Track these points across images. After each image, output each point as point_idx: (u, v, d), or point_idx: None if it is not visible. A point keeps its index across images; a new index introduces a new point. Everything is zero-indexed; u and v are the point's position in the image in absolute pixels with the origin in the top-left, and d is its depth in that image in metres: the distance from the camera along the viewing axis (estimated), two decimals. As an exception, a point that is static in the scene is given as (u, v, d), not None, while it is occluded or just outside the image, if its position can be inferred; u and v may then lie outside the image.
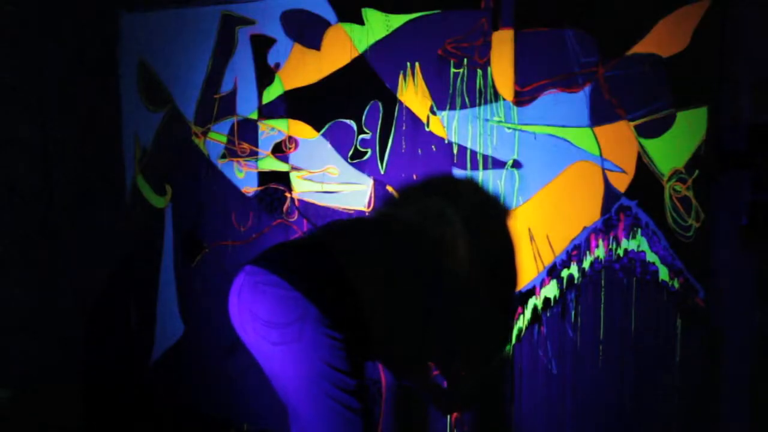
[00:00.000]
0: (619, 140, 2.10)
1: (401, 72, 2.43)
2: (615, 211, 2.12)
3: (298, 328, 1.71)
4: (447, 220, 2.16)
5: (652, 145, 2.05)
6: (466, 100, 2.31)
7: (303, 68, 2.63)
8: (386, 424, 2.54)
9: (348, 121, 2.55)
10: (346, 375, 1.73)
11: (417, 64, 2.40)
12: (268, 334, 1.76)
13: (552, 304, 2.24)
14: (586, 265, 2.18)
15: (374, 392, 2.54)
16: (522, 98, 2.23)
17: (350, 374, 1.74)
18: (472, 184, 2.34)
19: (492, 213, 2.31)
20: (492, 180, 2.30)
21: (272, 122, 2.72)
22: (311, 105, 2.63)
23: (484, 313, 2.33)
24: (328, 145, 2.60)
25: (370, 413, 1.83)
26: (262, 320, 1.76)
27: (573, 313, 2.21)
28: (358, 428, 1.75)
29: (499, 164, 2.28)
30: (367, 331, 1.84)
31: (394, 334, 1.96)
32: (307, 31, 2.61)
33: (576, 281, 2.20)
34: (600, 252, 2.16)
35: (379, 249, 1.94)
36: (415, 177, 2.41)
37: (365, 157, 2.52)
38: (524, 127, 2.23)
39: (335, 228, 2.05)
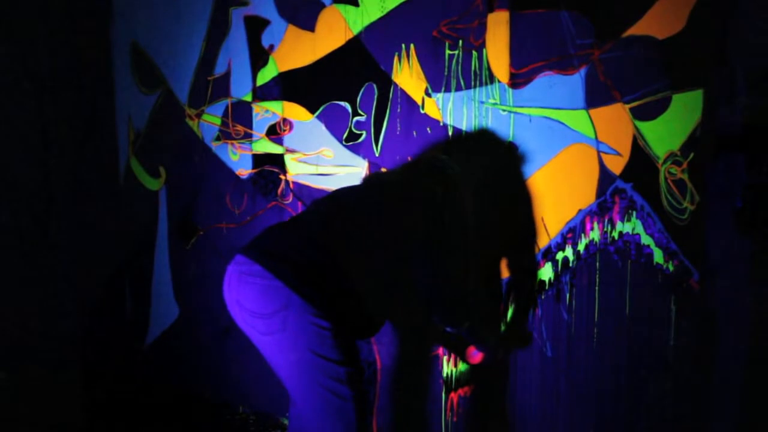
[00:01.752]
0: (614, 123, 2.09)
1: (396, 54, 2.41)
2: (610, 194, 2.12)
3: (282, 317, 1.70)
4: (444, 172, 2.08)
5: (648, 128, 2.04)
6: (462, 82, 2.30)
7: (297, 50, 2.61)
8: (381, 405, 2.55)
9: (342, 104, 2.53)
10: (335, 363, 1.72)
11: (412, 45, 2.38)
12: (255, 324, 1.75)
13: (547, 286, 2.25)
14: (581, 247, 2.18)
15: (369, 374, 2.55)
16: (517, 80, 2.21)
17: (340, 362, 1.73)
18: (483, 135, 2.30)
19: (505, 167, 2.26)
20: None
21: (266, 104, 2.70)
22: (306, 87, 2.61)
23: (495, 269, 2.28)
24: (323, 128, 2.58)
25: (364, 398, 1.82)
26: (248, 311, 1.75)
27: (568, 295, 2.22)
28: (350, 414, 1.74)
29: (494, 147, 2.27)
30: (360, 310, 1.83)
31: (392, 303, 1.94)
32: (302, 12, 2.59)
33: (571, 264, 2.20)
34: (595, 235, 2.16)
35: (369, 217, 1.89)
36: (409, 159, 2.40)
37: (360, 140, 2.51)
38: (519, 110, 2.22)
39: (320, 206, 1.99)
